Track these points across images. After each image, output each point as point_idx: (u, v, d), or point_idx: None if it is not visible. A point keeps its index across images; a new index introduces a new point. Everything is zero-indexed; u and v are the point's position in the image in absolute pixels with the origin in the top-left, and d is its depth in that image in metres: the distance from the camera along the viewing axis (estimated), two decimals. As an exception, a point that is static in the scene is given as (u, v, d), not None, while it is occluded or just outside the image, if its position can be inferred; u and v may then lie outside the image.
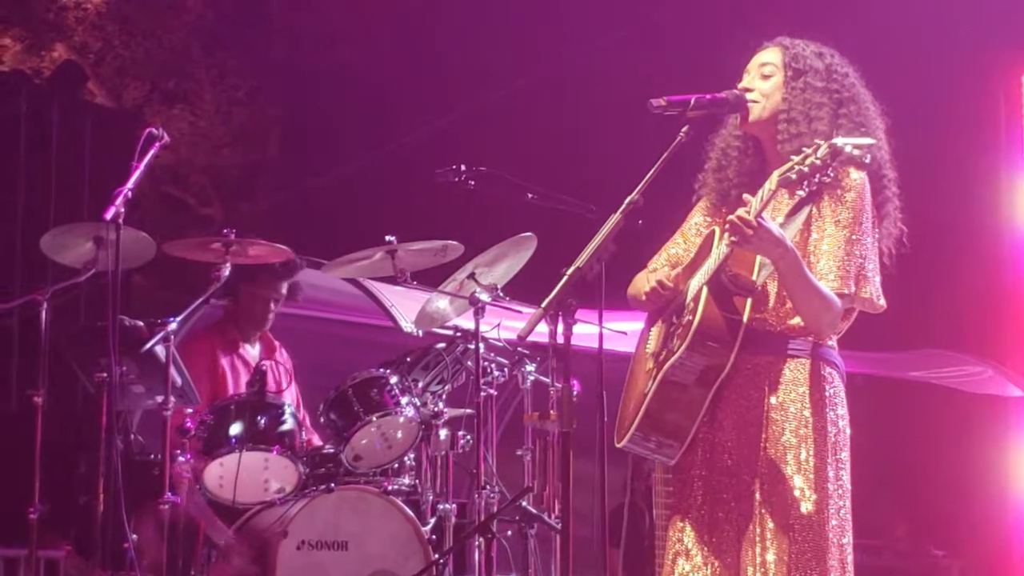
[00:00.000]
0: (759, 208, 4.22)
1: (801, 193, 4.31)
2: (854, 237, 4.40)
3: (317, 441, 7.43)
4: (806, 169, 4.16)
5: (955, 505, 10.88)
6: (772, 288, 4.44)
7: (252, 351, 7.62)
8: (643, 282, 4.64)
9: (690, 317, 4.37)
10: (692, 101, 4.47)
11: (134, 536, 6.26)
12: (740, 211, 4.24)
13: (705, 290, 4.37)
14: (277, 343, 7.73)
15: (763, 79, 4.58)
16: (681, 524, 4.46)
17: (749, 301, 4.38)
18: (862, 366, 9.82)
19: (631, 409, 4.48)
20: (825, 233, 4.41)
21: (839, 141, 4.16)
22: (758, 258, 4.36)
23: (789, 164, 4.21)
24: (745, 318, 4.36)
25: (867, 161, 4.29)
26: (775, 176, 4.23)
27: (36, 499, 6.44)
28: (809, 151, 4.18)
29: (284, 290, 7.60)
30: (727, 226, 4.26)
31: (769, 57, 4.62)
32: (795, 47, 4.61)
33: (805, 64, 4.57)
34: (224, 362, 7.49)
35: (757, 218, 4.20)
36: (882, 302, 4.47)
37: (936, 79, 10.33)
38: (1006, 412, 11.02)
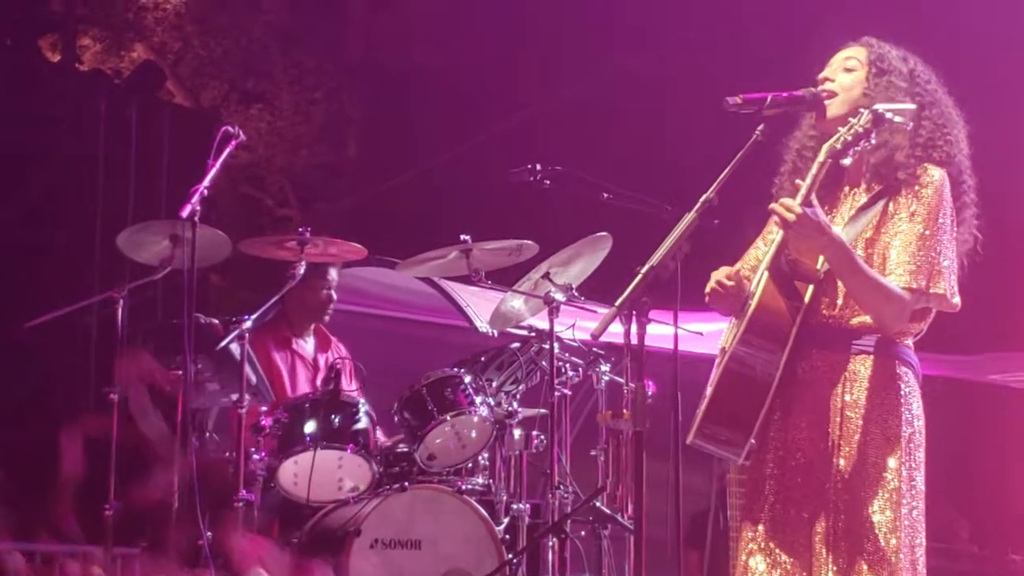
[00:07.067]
0: (808, 189, 4.21)
1: (855, 184, 4.28)
2: (927, 232, 4.33)
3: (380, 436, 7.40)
4: (850, 137, 4.24)
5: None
6: (841, 284, 4.39)
7: (307, 346, 7.64)
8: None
9: (750, 303, 4.34)
10: (768, 99, 4.42)
11: (209, 534, 6.28)
12: (784, 199, 4.23)
13: (765, 275, 4.34)
14: (332, 337, 7.73)
15: (845, 72, 4.53)
16: (753, 524, 4.42)
17: (811, 288, 4.34)
18: (939, 369, 9.74)
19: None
20: (898, 229, 4.36)
21: (880, 107, 4.24)
22: None
23: (836, 136, 4.26)
24: (807, 300, 4.32)
25: (904, 124, 4.29)
26: (824, 148, 4.27)
27: (111, 496, 6.49)
28: (854, 120, 4.26)
29: (335, 275, 7.59)
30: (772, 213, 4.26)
31: (854, 53, 4.58)
32: (881, 48, 4.57)
33: (889, 64, 4.52)
34: (278, 358, 7.51)
35: (803, 204, 4.17)
36: (956, 300, 4.38)
37: (1012, 80, 10.22)
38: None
